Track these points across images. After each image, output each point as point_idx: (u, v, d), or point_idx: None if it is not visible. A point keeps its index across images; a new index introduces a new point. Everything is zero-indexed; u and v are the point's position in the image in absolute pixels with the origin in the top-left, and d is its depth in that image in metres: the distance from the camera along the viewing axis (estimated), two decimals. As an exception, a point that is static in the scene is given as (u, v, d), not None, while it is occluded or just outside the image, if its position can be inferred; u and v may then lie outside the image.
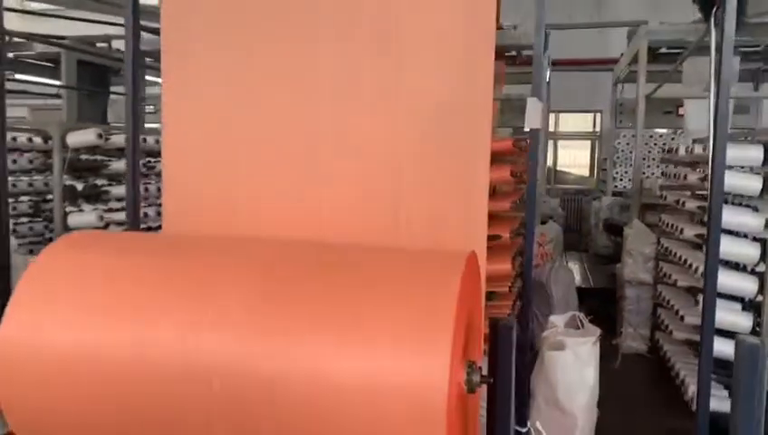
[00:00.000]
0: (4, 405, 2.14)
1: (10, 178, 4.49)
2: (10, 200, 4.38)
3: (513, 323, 2.17)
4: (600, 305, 5.81)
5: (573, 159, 14.19)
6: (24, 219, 4.67)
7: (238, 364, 1.86)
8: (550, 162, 13.11)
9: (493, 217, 3.49)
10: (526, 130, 2.57)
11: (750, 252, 3.52)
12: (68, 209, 4.24)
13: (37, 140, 4.40)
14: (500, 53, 7.36)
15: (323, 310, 1.90)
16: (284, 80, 2.47)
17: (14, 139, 4.47)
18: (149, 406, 1.89)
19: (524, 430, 2.58)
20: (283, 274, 2.04)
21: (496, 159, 3.68)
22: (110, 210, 4.50)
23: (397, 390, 1.77)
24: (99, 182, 4.55)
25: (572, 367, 2.62)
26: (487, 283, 2.99)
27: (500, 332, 2.11)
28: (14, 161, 4.27)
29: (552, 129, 13.00)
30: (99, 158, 4.58)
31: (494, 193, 3.55)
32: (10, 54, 7.26)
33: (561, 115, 13.53)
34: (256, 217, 2.64)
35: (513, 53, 7.07)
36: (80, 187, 4.25)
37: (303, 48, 2.42)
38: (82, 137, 4.24)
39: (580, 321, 2.89)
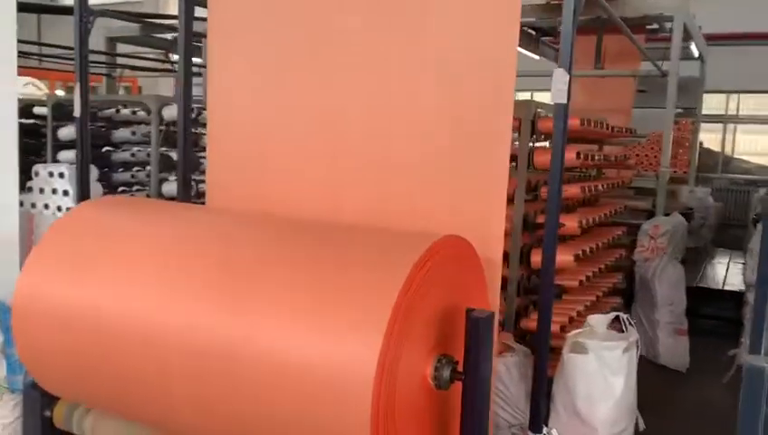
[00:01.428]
0: (20, 347, 2.36)
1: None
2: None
3: (491, 315, 1.96)
4: (733, 310, 5.16)
5: (755, 146, 12.67)
6: (126, 188, 5.07)
7: (193, 331, 1.93)
8: (720, 147, 11.82)
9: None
10: (552, 103, 2.28)
11: None
12: (161, 178, 4.55)
13: (141, 113, 4.77)
14: (638, 26, 6.73)
15: (274, 288, 1.91)
16: (317, 71, 2.54)
17: (118, 110, 4.88)
18: (121, 360, 2.04)
19: (540, 436, 2.35)
20: (246, 253, 2.07)
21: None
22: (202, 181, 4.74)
23: (326, 370, 1.73)
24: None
25: (596, 374, 2.31)
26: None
27: (474, 324, 1.91)
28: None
29: (723, 111, 11.68)
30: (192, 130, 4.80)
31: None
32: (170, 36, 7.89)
33: (742, 97, 12.09)
34: (287, 194, 2.72)
35: (655, 25, 6.40)
36: (175, 156, 4.52)
37: (334, 38, 2.47)
38: (171, 111, 4.48)
39: (625, 323, 2.55)
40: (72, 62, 8.15)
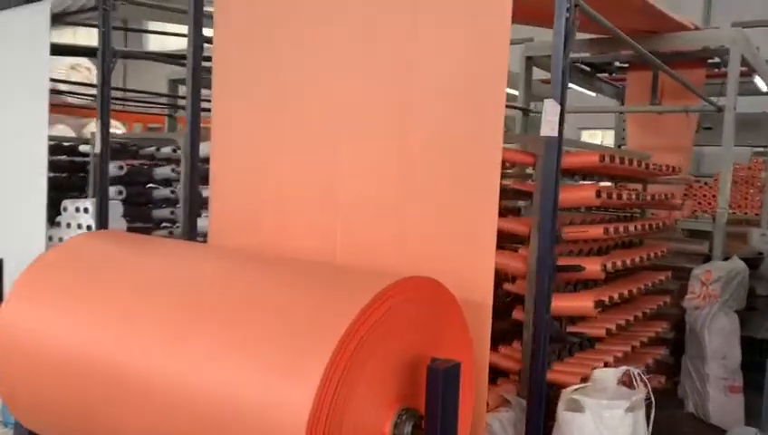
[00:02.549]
0: (2, 386, 2.39)
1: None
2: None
3: (455, 366, 1.79)
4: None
5: None
6: (167, 224, 5.14)
7: (142, 370, 1.93)
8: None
9: (572, 245, 3.01)
10: (542, 135, 2.12)
11: None
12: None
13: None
14: (698, 60, 6.37)
15: (219, 332, 1.88)
16: (308, 118, 2.60)
17: (158, 149, 4.98)
18: (83, 396, 2.06)
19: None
20: (202, 296, 2.05)
21: (582, 176, 3.16)
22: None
23: (258, 413, 1.65)
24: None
25: (593, 435, 2.08)
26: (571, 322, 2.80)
27: (434, 376, 1.75)
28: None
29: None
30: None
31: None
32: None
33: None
34: (281, 234, 2.74)
35: (716, 59, 6.04)
36: (205, 193, 4.54)
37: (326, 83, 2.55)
38: (206, 148, 4.50)
39: (635, 379, 2.30)
40: (147, 105, 8.46)
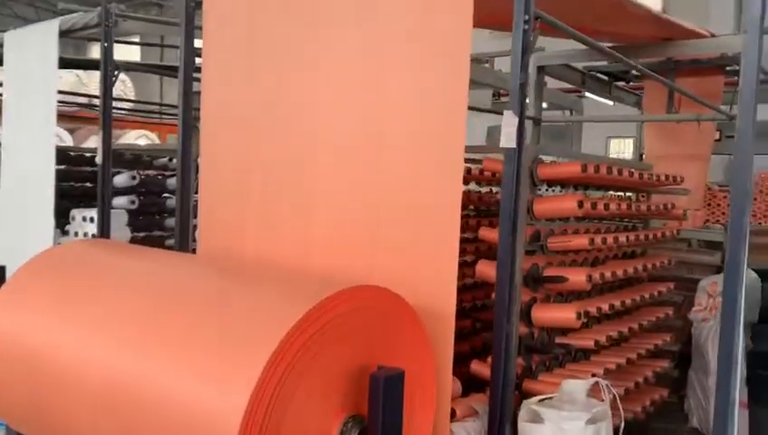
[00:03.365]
0: None
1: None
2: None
3: (399, 374, 1.81)
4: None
5: None
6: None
7: (105, 373, 2.00)
8: None
9: (558, 256, 3.00)
10: (501, 147, 2.14)
11: None
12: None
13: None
14: (716, 67, 6.25)
15: (170, 339, 1.95)
16: (290, 137, 2.71)
17: (171, 159, 5.13)
18: (55, 398, 2.17)
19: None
20: (159, 303, 2.13)
21: (564, 185, 3.15)
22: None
23: (193, 420, 1.71)
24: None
25: (553, 448, 2.07)
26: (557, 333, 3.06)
27: (376, 384, 1.78)
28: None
29: None
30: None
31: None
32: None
33: None
34: (262, 244, 2.82)
35: (736, 66, 5.91)
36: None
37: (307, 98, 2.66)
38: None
39: (604, 390, 2.28)
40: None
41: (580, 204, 2.86)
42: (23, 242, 3.83)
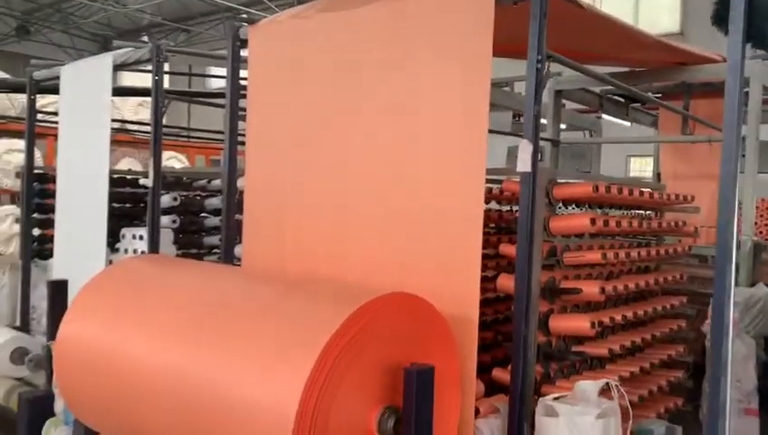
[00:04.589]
0: (62, 387, 2.80)
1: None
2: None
3: (429, 369, 2.08)
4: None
5: None
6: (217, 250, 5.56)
7: (173, 375, 2.28)
8: None
9: (575, 270, 3.24)
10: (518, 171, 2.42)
11: None
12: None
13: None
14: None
15: (230, 342, 2.23)
16: (328, 154, 3.02)
17: (209, 181, 5.47)
18: (129, 398, 2.48)
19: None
20: (218, 310, 2.42)
21: (578, 204, 3.40)
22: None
23: (253, 408, 1.98)
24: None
25: (567, 439, 2.31)
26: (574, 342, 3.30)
27: (410, 377, 2.05)
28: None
29: None
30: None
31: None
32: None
33: None
34: (301, 254, 3.08)
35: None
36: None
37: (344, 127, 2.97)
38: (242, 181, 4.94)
39: (614, 389, 2.52)
40: (205, 141, 9.17)
41: (593, 221, 3.12)
42: (79, 258, 4.17)
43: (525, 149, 2.34)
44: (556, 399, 2.48)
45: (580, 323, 3.18)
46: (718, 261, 2.22)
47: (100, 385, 2.56)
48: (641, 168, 14.69)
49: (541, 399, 2.50)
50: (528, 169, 2.37)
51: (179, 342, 2.32)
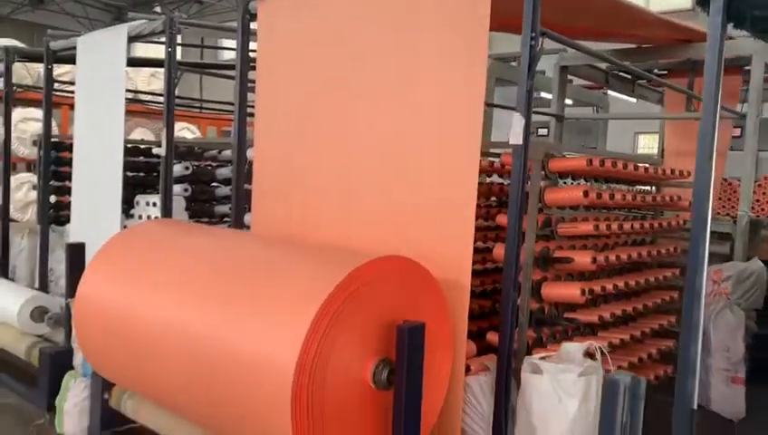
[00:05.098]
0: (81, 342, 2.99)
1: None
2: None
3: (420, 326, 2.24)
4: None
5: None
6: (228, 219, 5.74)
7: (186, 332, 2.46)
8: None
9: (569, 241, 3.39)
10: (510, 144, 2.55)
11: None
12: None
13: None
14: (734, 67, 6.49)
15: (240, 295, 2.38)
16: (334, 131, 3.15)
17: (220, 151, 5.64)
18: (145, 352, 2.66)
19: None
20: (228, 268, 2.58)
21: (574, 177, 3.52)
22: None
23: (257, 357, 2.16)
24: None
25: (550, 395, 2.46)
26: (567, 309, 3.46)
27: (402, 334, 2.21)
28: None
29: None
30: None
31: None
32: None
33: None
34: (307, 222, 3.23)
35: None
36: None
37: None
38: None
39: (598, 352, 2.68)
40: (217, 112, 9.32)
41: (586, 193, 3.25)
42: (95, 224, 4.35)
43: (518, 123, 2.47)
44: (542, 358, 2.64)
45: (570, 291, 3.32)
46: (693, 231, 2.35)
47: (117, 339, 2.74)
48: (649, 145, 14.71)
49: (527, 357, 2.66)
50: (519, 141, 2.50)
51: (190, 299, 2.48)
